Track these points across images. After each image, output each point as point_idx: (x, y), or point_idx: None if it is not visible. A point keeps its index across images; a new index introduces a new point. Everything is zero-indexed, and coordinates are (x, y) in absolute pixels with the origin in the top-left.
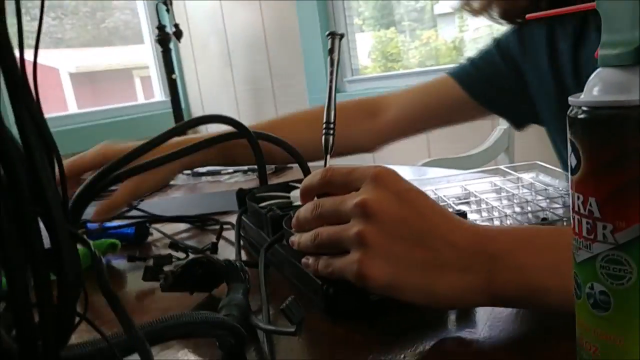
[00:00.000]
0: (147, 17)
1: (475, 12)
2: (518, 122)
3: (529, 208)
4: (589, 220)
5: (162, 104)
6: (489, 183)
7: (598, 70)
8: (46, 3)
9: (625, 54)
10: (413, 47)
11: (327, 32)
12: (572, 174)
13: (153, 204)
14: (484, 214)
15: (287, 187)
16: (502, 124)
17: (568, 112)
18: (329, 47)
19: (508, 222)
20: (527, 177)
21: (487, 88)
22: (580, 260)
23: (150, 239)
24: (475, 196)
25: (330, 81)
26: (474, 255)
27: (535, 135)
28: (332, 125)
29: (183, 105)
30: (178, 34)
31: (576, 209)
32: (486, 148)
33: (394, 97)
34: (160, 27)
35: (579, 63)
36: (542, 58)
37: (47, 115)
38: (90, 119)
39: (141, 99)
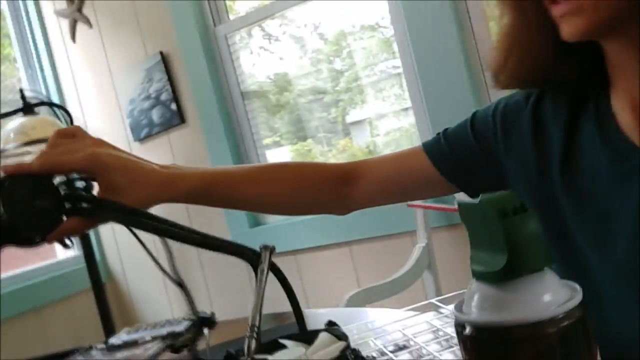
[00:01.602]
0: None
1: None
2: None
3: None
4: None
5: (76, 260)
6: (425, 323)
7: (473, 281)
8: None
9: (493, 274)
10: (331, 155)
11: (261, 245)
12: None
13: None
14: None
15: (276, 345)
16: (421, 242)
17: (454, 323)
18: (260, 258)
19: None
20: None
21: (452, 162)
22: None
23: None
24: (415, 343)
25: (259, 288)
26: None
27: (455, 250)
28: (256, 329)
29: (99, 257)
30: (88, 188)
31: None
32: (409, 268)
33: (368, 165)
34: (68, 182)
35: (570, 156)
36: (527, 142)
37: None
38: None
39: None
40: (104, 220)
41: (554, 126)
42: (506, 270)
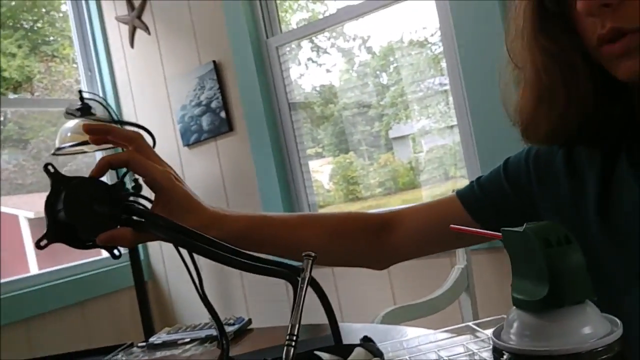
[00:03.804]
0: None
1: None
2: None
3: None
4: None
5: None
6: (461, 346)
7: (514, 309)
8: (7, 150)
9: (534, 304)
10: (372, 169)
11: (304, 253)
12: None
13: None
14: None
15: (312, 357)
16: (460, 263)
17: (492, 349)
18: (302, 265)
19: None
20: None
21: (492, 213)
22: None
23: None
24: None
25: (299, 297)
26: None
27: (493, 274)
28: (294, 338)
29: (142, 256)
30: (137, 189)
31: None
32: (447, 289)
33: (404, 214)
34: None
35: (607, 195)
36: (562, 182)
37: (6, 279)
38: (50, 279)
39: None
40: (155, 236)
41: (589, 171)
42: (547, 300)
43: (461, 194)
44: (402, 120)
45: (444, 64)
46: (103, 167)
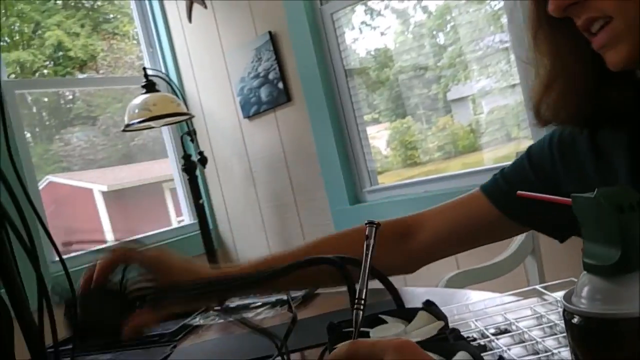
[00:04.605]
0: (172, 145)
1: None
2: (558, 235)
3: None
4: None
5: (191, 227)
6: (528, 309)
7: (584, 273)
8: (78, 129)
9: (606, 268)
10: (430, 133)
11: (366, 221)
12: None
13: (186, 352)
14: (528, 347)
15: (374, 320)
16: None
17: (562, 313)
18: (366, 233)
19: (554, 358)
20: None
21: (519, 204)
22: None
23: None
24: (517, 327)
25: (365, 262)
26: None
27: None
28: (363, 302)
29: (211, 226)
30: (203, 161)
31: None
32: (512, 253)
33: (427, 217)
34: (186, 156)
35: (639, 174)
36: (588, 166)
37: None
38: None
39: (172, 212)
40: (170, 306)
41: (616, 154)
42: (619, 265)
43: (486, 189)
44: (460, 81)
45: (504, 20)
46: (104, 272)
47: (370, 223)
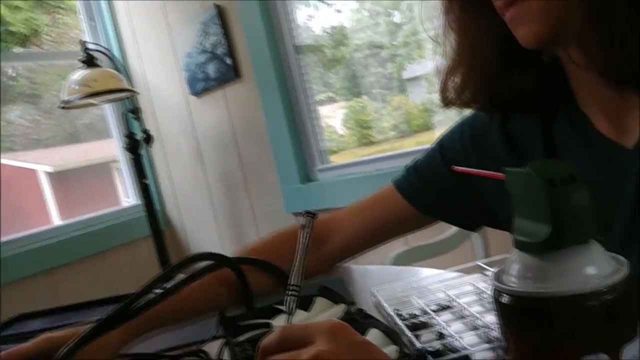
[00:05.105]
0: (115, 124)
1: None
2: (469, 226)
3: None
4: None
5: (137, 208)
6: (469, 285)
7: (515, 251)
8: (20, 107)
9: (536, 245)
10: (385, 112)
11: (304, 211)
12: (504, 353)
13: None
14: (468, 323)
15: (272, 311)
16: None
17: (492, 292)
18: (303, 222)
19: (493, 334)
20: None
21: (430, 197)
22: None
23: None
24: (458, 304)
25: (301, 249)
26: None
27: None
28: (297, 288)
29: (158, 207)
30: (148, 140)
31: None
32: (459, 230)
33: (341, 218)
34: (129, 135)
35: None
36: (502, 159)
37: (27, 232)
38: (71, 230)
39: (120, 194)
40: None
41: (528, 141)
42: (549, 241)
43: (399, 185)
44: (415, 60)
45: None
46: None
47: (308, 214)
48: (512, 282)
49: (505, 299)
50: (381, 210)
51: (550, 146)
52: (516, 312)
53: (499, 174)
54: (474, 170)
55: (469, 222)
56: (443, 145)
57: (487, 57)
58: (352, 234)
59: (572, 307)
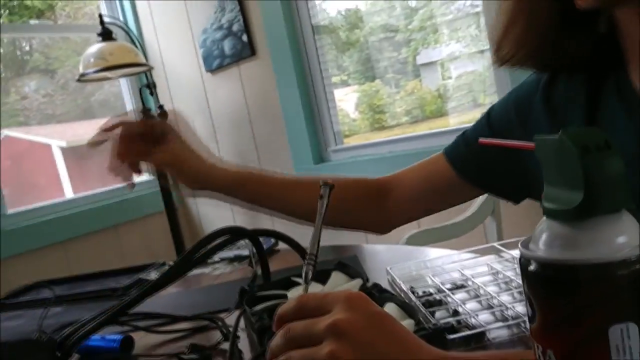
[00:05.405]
0: (131, 99)
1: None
2: (515, 198)
3: None
4: None
5: (150, 183)
6: (485, 265)
7: (544, 219)
8: (35, 82)
9: (566, 212)
10: (398, 97)
11: (321, 181)
12: (530, 322)
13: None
14: (483, 302)
15: (288, 283)
16: None
17: (520, 259)
18: (320, 193)
19: (508, 312)
20: None
21: (476, 166)
22: None
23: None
24: (473, 282)
25: (318, 219)
26: None
27: None
28: (314, 258)
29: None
30: (163, 115)
31: (537, 357)
32: (472, 213)
33: (399, 179)
34: (145, 111)
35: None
36: (544, 127)
37: (42, 203)
38: (84, 203)
39: None
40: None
41: (571, 108)
42: (581, 208)
43: (447, 151)
44: (430, 45)
45: None
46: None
47: (325, 184)
48: (540, 249)
49: (532, 266)
50: (430, 174)
51: (592, 114)
52: (544, 279)
53: (527, 144)
54: (501, 141)
55: (513, 193)
56: (491, 114)
57: (546, 17)
58: (406, 192)
59: (601, 276)
